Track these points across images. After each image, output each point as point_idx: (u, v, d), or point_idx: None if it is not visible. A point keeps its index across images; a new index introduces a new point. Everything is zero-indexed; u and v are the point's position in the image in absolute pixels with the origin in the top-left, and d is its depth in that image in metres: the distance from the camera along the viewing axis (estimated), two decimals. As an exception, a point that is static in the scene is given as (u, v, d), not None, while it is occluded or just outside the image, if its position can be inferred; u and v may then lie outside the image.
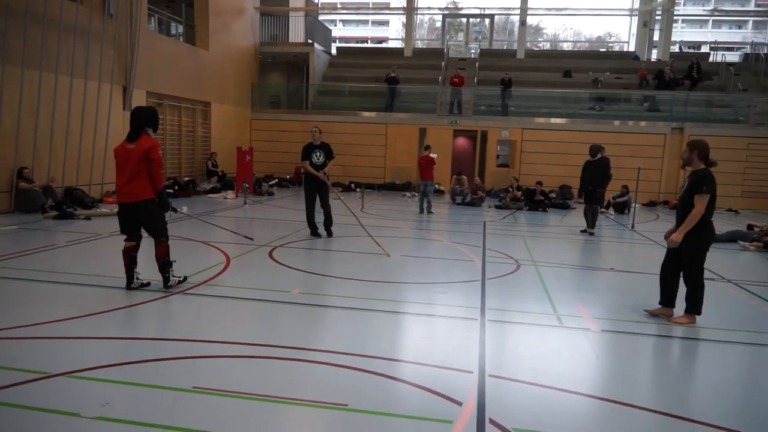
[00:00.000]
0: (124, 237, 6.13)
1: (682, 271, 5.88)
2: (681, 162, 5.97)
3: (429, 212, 14.37)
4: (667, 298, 5.99)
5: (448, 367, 4.39)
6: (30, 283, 6.27)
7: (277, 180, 20.32)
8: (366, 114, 21.87)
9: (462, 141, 21.66)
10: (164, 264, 6.15)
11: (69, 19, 12.48)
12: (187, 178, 17.34)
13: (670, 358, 4.91)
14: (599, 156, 11.57)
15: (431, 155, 14.77)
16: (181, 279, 6.36)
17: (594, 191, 11.58)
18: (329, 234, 10.01)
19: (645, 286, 7.57)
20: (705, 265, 5.84)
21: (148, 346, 4.55)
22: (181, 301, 5.89)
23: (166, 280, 6.18)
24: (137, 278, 6.14)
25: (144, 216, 5.98)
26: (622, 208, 16.38)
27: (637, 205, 14.97)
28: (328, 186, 9.89)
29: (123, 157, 5.94)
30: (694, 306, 5.79)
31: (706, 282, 5.84)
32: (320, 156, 9.74)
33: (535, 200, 16.49)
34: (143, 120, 6.04)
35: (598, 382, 4.37)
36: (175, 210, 6.63)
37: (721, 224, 14.45)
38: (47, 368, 3.98)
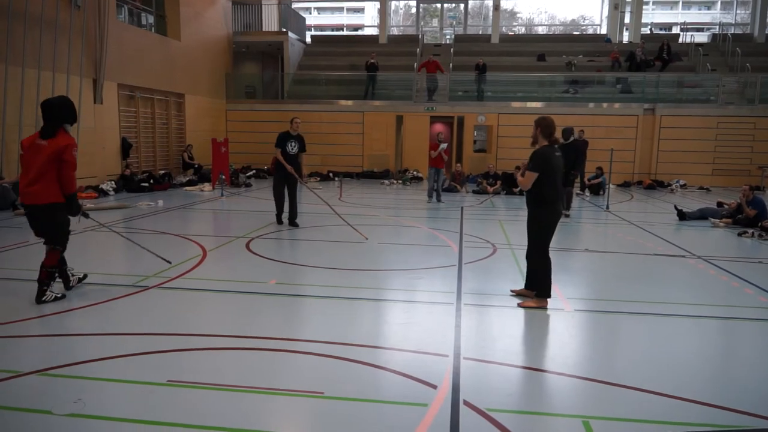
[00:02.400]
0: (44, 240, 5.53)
1: (527, 250, 5.82)
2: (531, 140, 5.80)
3: (438, 200, 14.15)
4: (528, 280, 5.91)
5: (423, 351, 4.43)
6: (2, 282, 6.17)
7: (254, 171, 20.17)
8: (342, 102, 21.77)
9: (439, 127, 21.63)
10: (48, 274, 5.41)
11: (35, 10, 12.21)
12: (162, 172, 17.13)
13: (642, 335, 5.00)
14: (572, 139, 11.71)
15: (441, 144, 14.10)
16: (58, 296, 5.50)
17: (568, 174, 11.70)
18: (294, 225, 9.96)
19: (618, 266, 7.70)
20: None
21: (123, 342, 4.52)
22: (156, 294, 5.85)
23: (41, 293, 5.38)
24: (72, 275, 5.80)
25: (46, 220, 5.37)
26: (597, 189, 16.57)
27: (611, 186, 15.15)
28: (297, 179, 9.87)
29: (31, 153, 5.25)
30: (539, 288, 5.67)
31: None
32: (294, 146, 9.79)
33: (513, 185, 16.56)
34: (60, 114, 5.29)
35: (571, 360, 4.44)
36: (86, 215, 5.90)
37: (692, 202, 14.71)
38: (18, 367, 3.94)
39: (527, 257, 5.85)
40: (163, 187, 15.80)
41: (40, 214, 5.34)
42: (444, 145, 14.07)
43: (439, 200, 14.15)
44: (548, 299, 5.67)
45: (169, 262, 6.78)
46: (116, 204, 12.45)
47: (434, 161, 14.10)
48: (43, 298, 5.39)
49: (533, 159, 5.54)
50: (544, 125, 5.62)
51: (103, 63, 14.37)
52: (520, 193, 16.26)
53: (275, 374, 3.99)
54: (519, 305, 5.70)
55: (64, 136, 5.27)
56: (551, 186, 5.52)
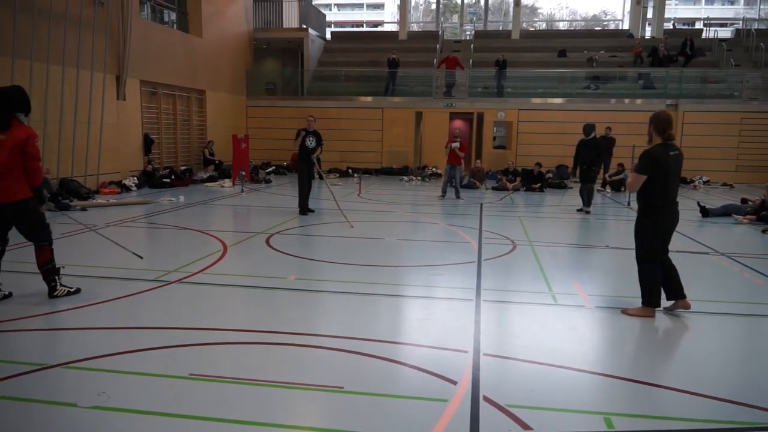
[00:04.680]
0: None
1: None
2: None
3: (457, 197, 14.03)
4: (670, 290, 5.36)
5: (443, 347, 4.43)
6: (26, 276, 6.26)
7: (274, 167, 20.28)
8: (362, 98, 21.76)
9: (458, 123, 21.57)
10: (49, 272, 5.35)
11: (59, 7, 12.38)
12: (183, 167, 17.31)
13: (663, 332, 4.95)
14: (593, 135, 11.61)
15: (453, 142, 13.98)
16: (71, 290, 5.47)
17: (589, 170, 11.62)
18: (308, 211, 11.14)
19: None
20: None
21: (145, 335, 4.58)
22: (178, 289, 5.92)
23: (51, 289, 5.37)
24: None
25: (23, 218, 5.21)
26: (618, 185, 16.40)
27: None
28: (315, 167, 11.21)
29: None
30: (644, 296, 5.27)
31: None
32: (312, 141, 10.92)
33: (532, 181, 16.43)
34: (13, 104, 5.04)
35: (591, 357, 4.41)
36: (55, 202, 5.42)
37: (715, 198, 14.48)
38: (43, 359, 4.02)
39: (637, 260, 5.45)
40: (184, 182, 15.97)
41: (15, 213, 5.16)
42: (455, 144, 13.92)
43: (458, 197, 14.08)
44: (656, 308, 5.25)
45: (141, 257, 6.71)
46: (139, 199, 12.61)
47: (450, 158, 14.05)
48: (55, 293, 5.38)
49: (640, 159, 5.12)
50: (657, 121, 5.14)
51: (126, 59, 14.53)
52: (540, 189, 16.15)
53: (295, 369, 4.01)
54: (623, 312, 5.32)
55: (21, 127, 5.06)
56: (661, 189, 5.08)
